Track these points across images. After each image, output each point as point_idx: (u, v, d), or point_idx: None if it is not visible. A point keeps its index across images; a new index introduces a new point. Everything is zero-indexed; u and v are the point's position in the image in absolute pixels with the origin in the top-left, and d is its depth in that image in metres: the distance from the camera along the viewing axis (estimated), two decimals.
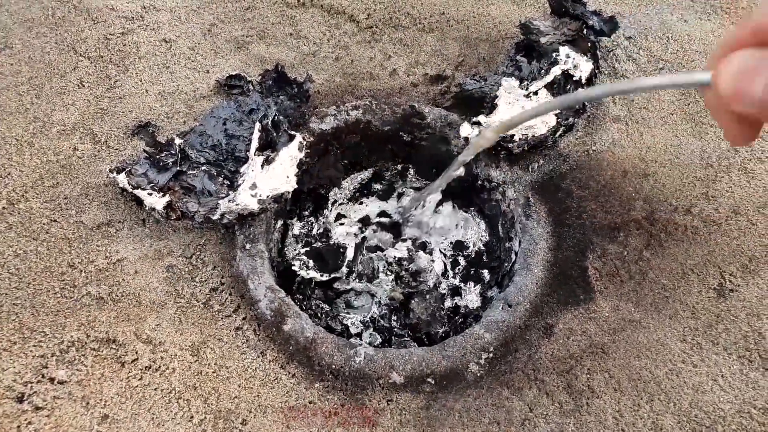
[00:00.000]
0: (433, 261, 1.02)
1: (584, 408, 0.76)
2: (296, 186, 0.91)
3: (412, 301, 0.95)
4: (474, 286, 1.01)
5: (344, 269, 1.02)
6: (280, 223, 1.02)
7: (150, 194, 0.85)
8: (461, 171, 0.96)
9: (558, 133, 0.98)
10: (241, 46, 1.11)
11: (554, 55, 1.00)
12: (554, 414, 0.75)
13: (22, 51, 1.06)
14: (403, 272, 0.98)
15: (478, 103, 1.01)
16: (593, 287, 0.86)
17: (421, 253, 1.02)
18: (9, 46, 1.06)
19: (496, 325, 0.82)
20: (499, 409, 0.76)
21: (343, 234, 1.07)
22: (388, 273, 1.01)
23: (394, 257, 1.02)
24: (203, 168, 0.88)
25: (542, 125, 0.95)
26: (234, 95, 1.01)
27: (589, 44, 1.04)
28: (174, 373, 0.76)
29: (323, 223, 1.08)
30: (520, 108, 0.96)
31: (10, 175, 0.91)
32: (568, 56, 1.00)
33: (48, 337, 0.76)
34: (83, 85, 1.02)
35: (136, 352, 0.77)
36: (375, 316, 0.97)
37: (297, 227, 1.07)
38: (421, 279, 0.97)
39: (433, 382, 0.78)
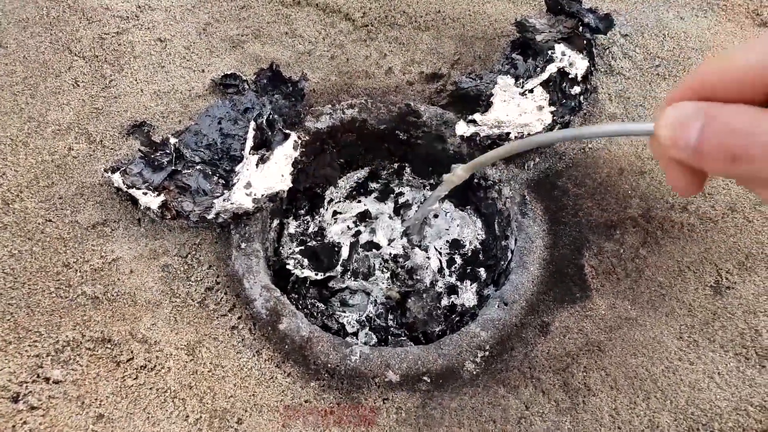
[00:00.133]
0: (428, 258, 1.01)
1: (580, 406, 0.75)
2: (291, 185, 0.91)
3: (409, 300, 0.95)
4: (470, 285, 1.01)
5: (339, 268, 1.02)
6: (276, 222, 1.02)
7: (145, 194, 0.85)
8: (437, 206, 1.04)
9: None
10: (236, 45, 1.11)
11: (550, 52, 1.00)
12: (550, 412, 0.75)
13: (16, 50, 1.05)
14: (399, 269, 0.98)
15: (473, 102, 1.01)
16: (589, 285, 0.86)
17: (416, 249, 1.02)
18: (3, 45, 1.06)
19: (492, 323, 0.82)
20: (495, 408, 0.75)
21: (338, 232, 1.07)
22: (384, 270, 1.00)
23: (390, 254, 1.02)
24: (198, 167, 0.88)
25: (538, 123, 0.95)
26: (229, 94, 1.00)
27: (585, 42, 1.03)
28: (169, 372, 0.76)
29: (319, 221, 1.08)
30: (515, 106, 0.96)
31: (5, 175, 0.90)
32: (563, 54, 1.00)
33: (43, 337, 0.76)
34: (78, 85, 1.02)
35: (132, 352, 0.77)
36: (371, 315, 0.97)
37: (293, 226, 1.07)
38: (417, 276, 0.96)
39: (429, 381, 0.77)
